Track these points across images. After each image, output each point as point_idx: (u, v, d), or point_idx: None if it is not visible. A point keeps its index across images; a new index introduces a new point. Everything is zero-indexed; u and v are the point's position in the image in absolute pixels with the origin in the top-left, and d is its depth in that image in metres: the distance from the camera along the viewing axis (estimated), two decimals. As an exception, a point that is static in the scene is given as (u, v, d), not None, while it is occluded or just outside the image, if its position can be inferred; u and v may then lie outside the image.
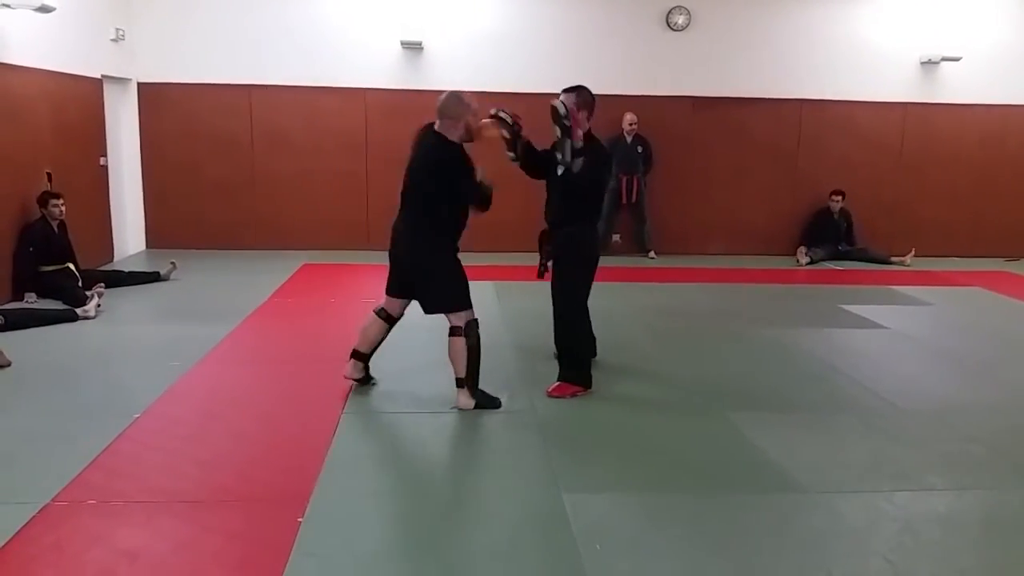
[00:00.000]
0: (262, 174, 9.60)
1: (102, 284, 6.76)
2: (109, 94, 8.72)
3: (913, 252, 9.82)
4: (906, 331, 6.59)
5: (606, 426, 4.37)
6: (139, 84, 9.29)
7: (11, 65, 6.85)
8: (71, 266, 6.99)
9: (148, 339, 5.81)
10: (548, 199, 4.88)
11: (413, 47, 9.43)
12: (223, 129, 9.45)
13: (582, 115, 4.59)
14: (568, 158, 4.44)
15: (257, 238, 9.63)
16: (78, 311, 6.21)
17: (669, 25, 9.71)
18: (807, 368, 5.56)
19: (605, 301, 5.56)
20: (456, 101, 4.26)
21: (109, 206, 8.77)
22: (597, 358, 5.21)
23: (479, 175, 4.25)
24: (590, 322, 4.96)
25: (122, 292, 7.13)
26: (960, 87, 10.12)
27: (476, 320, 4.42)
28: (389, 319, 4.61)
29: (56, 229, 6.97)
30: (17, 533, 3.04)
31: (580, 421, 4.43)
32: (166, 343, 5.61)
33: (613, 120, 9.29)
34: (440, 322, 4.48)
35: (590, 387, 4.81)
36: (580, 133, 4.51)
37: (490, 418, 4.40)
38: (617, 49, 9.68)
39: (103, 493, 3.41)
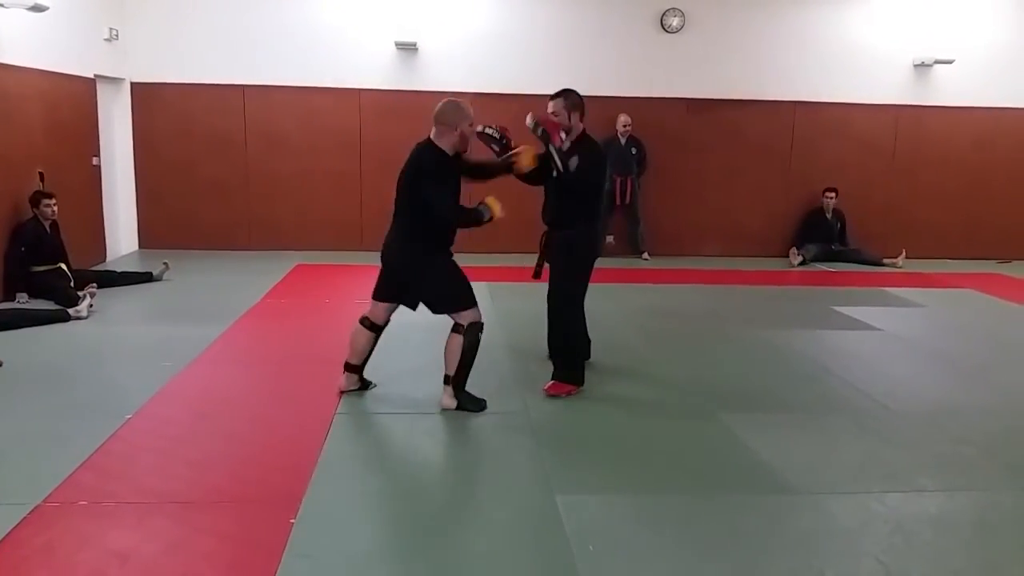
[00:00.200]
0: (256, 174, 9.58)
1: (94, 284, 6.73)
2: (102, 94, 8.69)
3: (904, 254, 9.85)
4: (898, 333, 6.61)
5: (599, 427, 4.37)
6: (132, 84, 9.27)
7: (4, 64, 6.83)
8: (63, 266, 6.97)
9: (140, 339, 5.79)
10: (546, 201, 4.88)
11: (408, 48, 9.42)
12: (217, 129, 9.42)
13: (574, 116, 4.62)
14: (559, 162, 4.46)
15: (250, 238, 9.61)
16: (70, 311, 6.19)
17: (663, 27, 9.73)
18: (800, 369, 5.57)
19: (599, 302, 5.57)
20: (452, 108, 4.22)
21: (102, 206, 8.74)
22: (591, 360, 5.21)
23: (482, 203, 4.22)
24: (585, 322, 4.96)
25: (114, 292, 7.10)
26: (953, 89, 10.16)
27: (481, 323, 4.39)
28: (374, 327, 4.56)
29: (48, 229, 6.95)
30: (8, 534, 3.03)
31: (573, 422, 4.43)
32: (158, 343, 5.59)
33: (607, 121, 9.30)
34: (435, 324, 4.48)
35: (582, 385, 4.83)
36: (561, 136, 4.52)
37: (483, 419, 4.39)
38: (611, 50, 9.69)
39: (95, 494, 3.39)
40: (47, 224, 6.93)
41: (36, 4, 6.60)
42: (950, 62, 9.96)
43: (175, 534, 3.10)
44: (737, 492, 3.62)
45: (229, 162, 9.52)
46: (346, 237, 9.54)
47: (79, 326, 6.08)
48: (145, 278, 7.64)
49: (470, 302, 4.35)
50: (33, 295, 6.70)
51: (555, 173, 4.55)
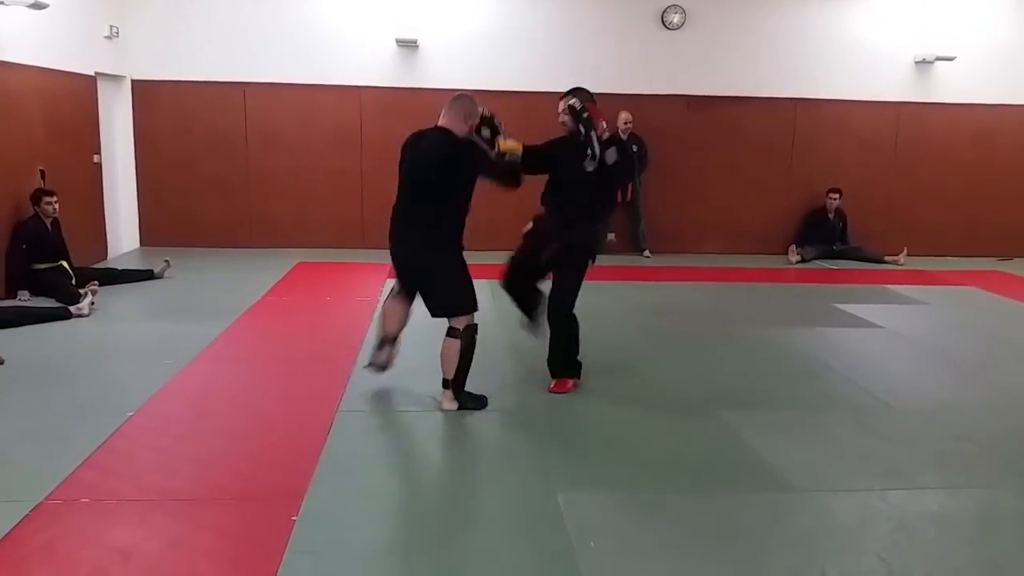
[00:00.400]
0: (256, 172, 9.57)
1: (96, 282, 6.73)
2: (103, 91, 8.69)
3: (905, 251, 9.83)
4: (900, 330, 6.61)
5: (600, 425, 4.37)
6: (133, 81, 9.26)
7: (4, 62, 6.83)
8: (64, 264, 6.98)
9: (142, 337, 5.79)
10: (558, 198, 4.75)
11: (408, 45, 9.41)
12: (217, 126, 9.42)
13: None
14: (598, 150, 4.42)
15: (251, 236, 9.61)
16: (71, 309, 6.18)
17: (664, 24, 9.71)
18: (801, 367, 5.57)
19: (599, 300, 5.57)
20: (470, 102, 4.31)
21: (103, 203, 8.74)
22: (586, 359, 5.20)
23: (499, 151, 4.31)
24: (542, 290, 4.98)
25: (116, 290, 7.10)
26: (954, 87, 10.15)
27: (476, 325, 4.39)
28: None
29: (49, 227, 6.95)
30: (10, 532, 3.03)
31: (574, 420, 4.44)
32: (160, 341, 5.59)
33: (608, 119, 9.24)
34: (436, 322, 4.47)
35: (579, 377, 4.88)
36: (603, 124, 4.50)
37: (484, 417, 4.40)
38: (612, 47, 9.68)
39: (96, 491, 3.39)
40: (48, 222, 6.93)
41: (36, 2, 6.59)
42: (951, 59, 9.94)
43: (177, 532, 3.10)
44: (738, 489, 3.62)
45: (230, 159, 9.51)
46: (347, 235, 9.54)
47: (80, 324, 6.08)
48: (146, 275, 7.64)
49: (471, 306, 4.35)
50: (34, 293, 6.70)
51: (589, 166, 4.46)
